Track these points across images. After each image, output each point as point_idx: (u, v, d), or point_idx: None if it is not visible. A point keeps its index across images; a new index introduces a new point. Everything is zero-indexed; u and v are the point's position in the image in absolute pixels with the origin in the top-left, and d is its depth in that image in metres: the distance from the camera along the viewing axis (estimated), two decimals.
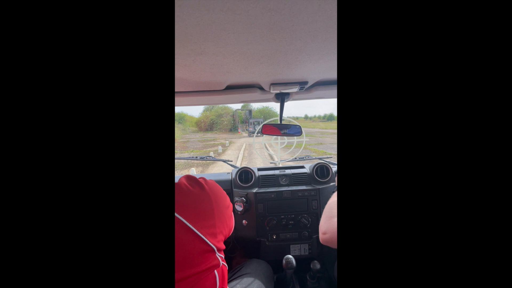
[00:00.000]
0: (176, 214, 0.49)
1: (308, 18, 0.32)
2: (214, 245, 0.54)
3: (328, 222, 0.69)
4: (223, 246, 0.60)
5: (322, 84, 0.80)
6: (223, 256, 0.61)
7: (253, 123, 22.25)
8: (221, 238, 0.59)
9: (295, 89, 0.78)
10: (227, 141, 18.42)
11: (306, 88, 0.81)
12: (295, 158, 1.62)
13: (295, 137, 1.31)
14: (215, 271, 0.56)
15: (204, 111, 37.87)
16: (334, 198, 0.83)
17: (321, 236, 0.70)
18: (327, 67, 0.59)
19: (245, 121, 24.96)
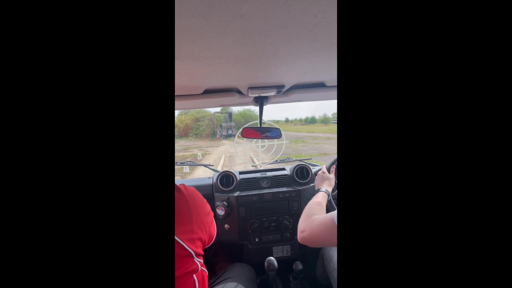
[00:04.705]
0: None
1: (279, 24, 0.34)
2: (192, 250, 0.54)
3: (307, 220, 0.70)
4: (201, 252, 0.60)
5: (299, 87, 0.82)
6: (202, 261, 0.61)
7: (226, 128, 22.63)
8: (200, 244, 0.59)
9: (272, 93, 0.80)
10: (200, 152, 13.77)
11: (283, 92, 0.83)
12: (276, 161, 1.64)
13: (275, 140, 1.33)
14: (194, 276, 0.56)
15: (178, 115, 34.60)
16: (314, 199, 0.85)
17: (299, 235, 0.71)
18: (302, 71, 0.60)
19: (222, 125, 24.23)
